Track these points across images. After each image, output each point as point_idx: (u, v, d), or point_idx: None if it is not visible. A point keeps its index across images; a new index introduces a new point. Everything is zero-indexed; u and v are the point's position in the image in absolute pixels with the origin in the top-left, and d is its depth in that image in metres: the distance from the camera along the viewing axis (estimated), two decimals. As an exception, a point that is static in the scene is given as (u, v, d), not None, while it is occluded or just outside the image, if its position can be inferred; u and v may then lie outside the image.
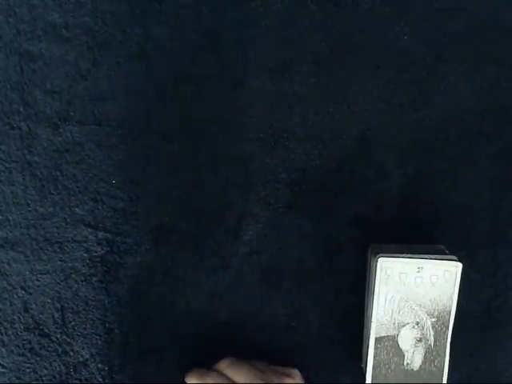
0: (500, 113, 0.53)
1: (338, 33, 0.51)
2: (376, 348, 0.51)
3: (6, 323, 0.53)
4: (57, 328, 0.53)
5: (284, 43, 0.51)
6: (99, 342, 0.54)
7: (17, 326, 0.53)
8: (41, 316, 0.53)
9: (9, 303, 0.53)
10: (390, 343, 0.51)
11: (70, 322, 0.53)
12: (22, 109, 0.50)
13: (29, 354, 0.54)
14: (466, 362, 0.57)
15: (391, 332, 0.51)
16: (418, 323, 0.51)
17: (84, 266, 0.53)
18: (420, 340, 0.51)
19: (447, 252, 0.52)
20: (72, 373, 0.54)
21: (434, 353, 0.51)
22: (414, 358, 0.51)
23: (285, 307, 0.55)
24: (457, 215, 0.55)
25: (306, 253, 0.54)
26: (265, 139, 0.53)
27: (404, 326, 0.51)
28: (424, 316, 0.51)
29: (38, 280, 0.53)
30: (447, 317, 0.51)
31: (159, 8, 0.50)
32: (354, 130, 0.53)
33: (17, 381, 0.54)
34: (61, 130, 0.51)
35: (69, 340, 0.54)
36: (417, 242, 0.54)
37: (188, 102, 0.51)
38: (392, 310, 0.51)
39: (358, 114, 0.53)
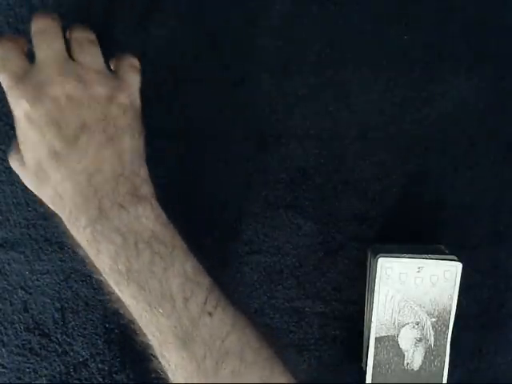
0: (500, 113, 0.53)
1: (338, 33, 0.51)
2: (376, 348, 0.51)
3: (6, 323, 0.53)
4: (57, 328, 0.53)
5: (284, 43, 0.51)
6: (99, 341, 0.54)
7: (17, 326, 0.53)
8: (41, 316, 0.53)
9: (9, 303, 0.53)
10: (390, 343, 0.51)
11: (70, 322, 0.53)
12: (21, 109, 0.50)
13: (29, 354, 0.54)
14: (466, 361, 0.57)
15: (391, 332, 0.51)
16: (418, 323, 0.51)
17: (84, 266, 0.53)
18: (420, 340, 0.51)
19: (447, 252, 0.52)
20: (72, 373, 0.54)
21: (434, 353, 0.51)
22: (414, 357, 0.51)
23: (285, 307, 0.55)
24: (457, 215, 0.55)
25: (305, 253, 0.54)
26: (265, 139, 0.53)
27: (404, 326, 0.51)
28: (424, 316, 0.51)
29: (37, 280, 0.53)
30: (447, 317, 0.51)
31: (159, 8, 0.50)
32: (353, 129, 0.53)
33: (17, 381, 0.54)
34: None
35: (69, 340, 0.54)
36: (417, 241, 0.54)
37: (188, 102, 0.51)
38: (392, 310, 0.51)
39: (358, 114, 0.53)
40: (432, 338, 0.51)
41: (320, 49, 0.51)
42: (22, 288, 0.53)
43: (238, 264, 0.54)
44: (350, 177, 0.53)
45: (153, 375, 0.55)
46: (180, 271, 0.41)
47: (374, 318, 0.51)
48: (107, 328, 0.54)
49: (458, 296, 0.50)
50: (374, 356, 0.51)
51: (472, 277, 0.55)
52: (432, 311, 0.51)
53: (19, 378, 0.54)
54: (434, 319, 0.51)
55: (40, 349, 0.54)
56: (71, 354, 0.54)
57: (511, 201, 0.55)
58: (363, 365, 0.53)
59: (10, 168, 0.51)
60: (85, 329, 0.54)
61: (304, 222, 0.54)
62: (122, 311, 0.42)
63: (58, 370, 0.54)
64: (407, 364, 0.51)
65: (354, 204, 0.54)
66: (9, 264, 0.52)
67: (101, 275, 0.41)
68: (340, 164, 0.53)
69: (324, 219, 0.54)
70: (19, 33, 0.49)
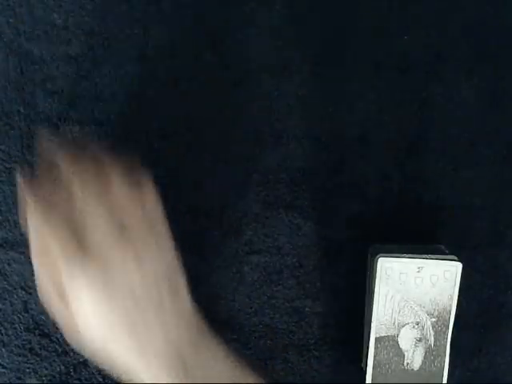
0: (500, 113, 0.53)
1: (338, 33, 0.51)
2: (376, 348, 0.51)
3: (6, 323, 0.53)
4: (57, 328, 0.53)
5: (284, 43, 0.51)
6: (99, 342, 0.54)
7: (17, 326, 0.53)
8: (41, 316, 0.53)
9: (9, 303, 0.53)
10: (390, 343, 0.51)
11: (70, 322, 0.53)
12: (21, 109, 0.50)
13: (29, 354, 0.54)
14: (466, 361, 0.57)
15: (391, 332, 0.51)
16: (418, 323, 0.51)
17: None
18: (420, 340, 0.51)
19: (447, 252, 0.52)
20: (72, 373, 0.54)
21: (434, 353, 0.51)
22: (414, 358, 0.51)
23: (285, 307, 0.55)
24: (457, 215, 0.55)
25: (305, 253, 0.54)
26: (265, 139, 0.53)
27: (404, 326, 0.51)
28: (424, 316, 0.51)
29: (38, 280, 0.53)
30: (447, 317, 0.51)
31: (159, 8, 0.50)
32: (354, 130, 0.53)
33: (17, 381, 0.54)
34: (61, 130, 0.51)
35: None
36: (417, 242, 0.54)
37: (188, 102, 0.51)
38: (392, 310, 0.51)
39: (358, 114, 0.53)
40: (432, 338, 0.51)
41: (320, 49, 0.51)
42: (21, 288, 0.53)
43: (238, 264, 0.54)
44: (350, 177, 0.53)
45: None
46: None
47: (373, 318, 0.51)
48: (107, 328, 0.54)
49: (458, 296, 0.50)
50: (374, 356, 0.51)
51: (472, 277, 0.55)
52: (432, 311, 0.51)
53: (19, 378, 0.54)
54: (434, 319, 0.51)
55: (40, 349, 0.54)
56: (71, 354, 0.54)
57: (511, 201, 0.55)
58: (363, 365, 0.53)
59: (10, 168, 0.51)
60: (85, 329, 0.54)
61: (304, 222, 0.54)
62: None
63: (58, 370, 0.54)
64: (407, 364, 0.51)
65: (354, 204, 0.54)
66: (9, 264, 0.52)
67: None
68: (340, 164, 0.53)
69: (324, 219, 0.54)
70: (19, 33, 0.49)
